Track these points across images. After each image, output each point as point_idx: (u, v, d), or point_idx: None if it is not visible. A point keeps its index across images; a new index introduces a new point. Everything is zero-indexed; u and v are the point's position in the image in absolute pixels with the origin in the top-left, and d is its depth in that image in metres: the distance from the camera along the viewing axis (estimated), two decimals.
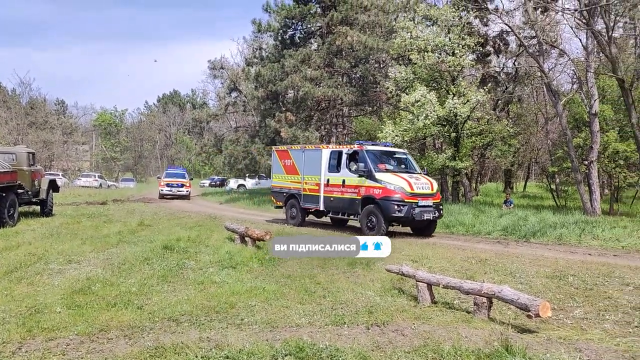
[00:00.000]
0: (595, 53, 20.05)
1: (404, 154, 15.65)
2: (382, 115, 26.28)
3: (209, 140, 39.25)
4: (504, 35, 25.03)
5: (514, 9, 22.90)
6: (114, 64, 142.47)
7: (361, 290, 7.31)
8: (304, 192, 16.07)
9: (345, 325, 5.67)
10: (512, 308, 5.99)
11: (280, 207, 17.56)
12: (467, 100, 19.20)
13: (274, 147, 18.50)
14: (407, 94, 19.52)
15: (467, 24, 20.72)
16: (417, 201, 13.18)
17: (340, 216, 14.99)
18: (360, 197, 13.89)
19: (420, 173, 14.78)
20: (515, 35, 20.74)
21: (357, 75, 28.26)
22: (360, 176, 13.88)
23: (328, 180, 15.18)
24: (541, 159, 30.18)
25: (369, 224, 13.51)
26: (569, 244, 12.43)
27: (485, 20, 24.10)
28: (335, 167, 15.02)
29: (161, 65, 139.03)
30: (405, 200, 13.03)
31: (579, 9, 16.95)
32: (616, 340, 5.27)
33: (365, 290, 7.28)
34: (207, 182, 55.02)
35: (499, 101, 26.44)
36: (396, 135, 19.15)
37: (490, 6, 23.03)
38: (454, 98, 19.10)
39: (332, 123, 30.00)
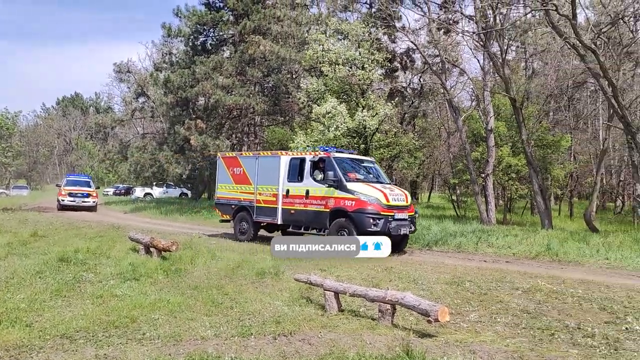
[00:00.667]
0: (491, 73, 21.54)
1: (372, 162, 14.75)
2: (294, 126, 26.50)
3: (114, 147, 37.44)
4: (411, 53, 26.30)
5: (420, 29, 24.18)
6: (1, 63, 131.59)
7: (269, 300, 7.28)
8: (258, 204, 14.42)
9: (252, 336, 5.62)
10: (414, 314, 6.23)
11: (227, 220, 15.79)
12: (376, 113, 19.88)
13: (219, 154, 16.74)
14: (318, 105, 19.85)
15: (376, 39, 21.50)
16: (393, 214, 12.14)
17: (302, 231, 13.39)
18: (328, 210, 12.51)
19: (390, 183, 14.02)
20: (421, 53, 21.81)
21: (270, 85, 28.34)
22: (329, 186, 12.57)
23: (288, 191, 13.67)
24: (444, 171, 31.84)
25: None
26: (467, 252, 13.20)
27: (393, 37, 25.19)
28: (296, 176, 13.57)
29: (61, 66, 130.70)
30: (381, 213, 11.90)
31: (476, 32, 18.18)
32: (506, 341, 5.64)
33: (274, 300, 7.26)
34: (111, 191, 52.33)
35: (406, 115, 27.64)
36: (307, 146, 19.37)
37: (398, 24, 24.10)
38: (364, 111, 19.69)
39: (243, 132, 29.78)
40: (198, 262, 9.87)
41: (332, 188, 12.54)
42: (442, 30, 22.37)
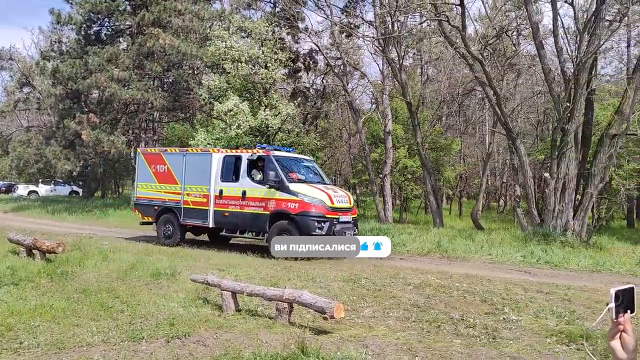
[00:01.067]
0: (390, 78, 22.45)
1: (311, 161, 14.26)
2: (194, 123, 25.83)
3: None
4: (314, 54, 26.62)
5: (322, 31, 24.56)
6: None
7: (164, 302, 7.03)
8: (186, 206, 13.33)
9: (144, 340, 5.40)
10: (312, 311, 6.32)
11: (149, 223, 14.50)
12: (279, 113, 19.90)
13: (140, 149, 15.28)
14: (220, 103, 19.50)
15: (279, 39, 21.51)
16: (337, 217, 11.69)
17: (238, 234, 12.78)
18: (268, 212, 11.84)
19: (331, 184, 13.53)
20: (323, 55, 22.18)
21: (170, 80, 27.40)
22: (270, 187, 11.82)
23: (221, 192, 12.74)
24: (344, 172, 32.64)
25: None
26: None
27: (296, 38, 25.37)
28: (230, 175, 12.72)
29: None
30: (326, 216, 11.45)
31: (376, 37, 18.84)
32: (397, 335, 5.90)
33: (169, 302, 7.02)
34: None
35: (308, 115, 27.94)
36: (208, 144, 18.98)
37: (301, 25, 24.33)
38: (266, 110, 19.65)
39: (141, 127, 28.51)
40: (87, 264, 9.32)
41: (272, 189, 11.80)
42: (344, 33, 22.92)
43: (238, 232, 12.70)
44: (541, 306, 7.12)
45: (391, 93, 22.65)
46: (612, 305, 1.41)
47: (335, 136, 31.73)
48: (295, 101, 21.29)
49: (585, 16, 15.23)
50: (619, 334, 1.41)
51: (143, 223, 14.77)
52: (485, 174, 24.94)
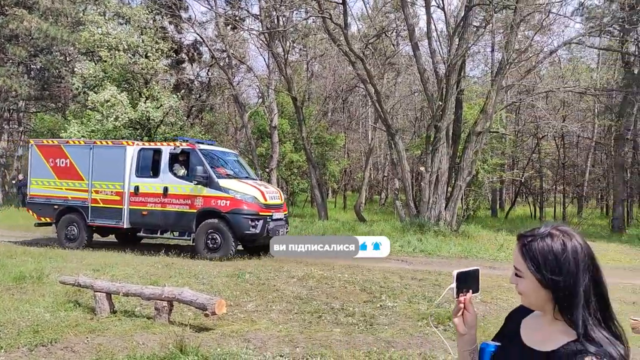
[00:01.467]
0: (276, 72, 22.51)
1: (236, 155, 13.41)
2: (67, 114, 23.99)
3: None
4: (198, 45, 25.89)
5: (207, 22, 23.99)
6: None
7: (28, 307, 6.45)
8: (94, 205, 11.90)
9: (3, 350, 4.91)
10: (193, 309, 6.17)
11: (47, 224, 12.87)
12: (161, 105, 19.12)
13: (33, 141, 13.44)
14: (96, 93, 18.30)
15: (161, 28, 20.68)
16: (271, 214, 11.13)
17: (159, 235, 11.74)
18: (195, 211, 10.95)
19: (257, 179, 12.81)
20: (207, 46, 21.68)
21: (38, 67, 25.16)
22: (197, 183, 10.90)
23: (137, 188, 11.52)
24: None
25: (210, 244, 10.75)
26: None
27: (179, 27, 24.49)
28: (148, 170, 11.60)
29: None
30: (260, 214, 10.82)
31: (261, 31, 18.79)
32: (279, 327, 5.96)
33: (34, 307, 6.45)
34: None
35: (193, 108, 27.17)
36: (82, 136, 17.73)
37: (184, 15, 23.54)
38: (147, 101, 18.78)
39: (3, 118, 25.88)
40: None
41: (200, 185, 10.92)
42: (230, 26, 22.56)
43: (159, 233, 11.69)
44: (415, 292, 7.59)
45: (277, 88, 22.74)
46: (454, 285, 1.53)
47: (222, 130, 31.23)
48: (178, 93, 20.58)
49: (455, 21, 16.42)
50: (461, 312, 1.53)
51: (39, 224, 12.99)
52: (367, 168, 26.00)
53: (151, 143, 13.10)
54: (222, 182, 10.97)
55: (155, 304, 6.08)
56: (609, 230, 20.32)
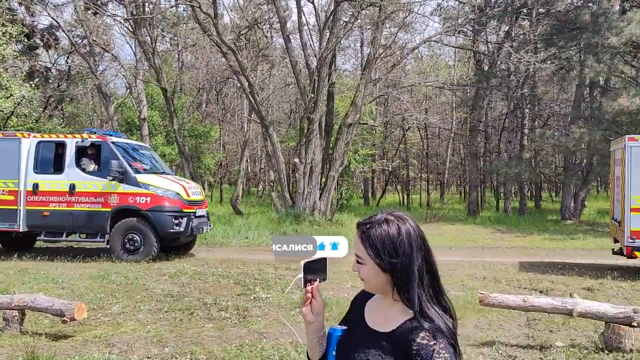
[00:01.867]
0: (143, 62, 21.41)
1: (149, 149, 12.33)
2: None
3: None
4: (54, 30, 23.77)
5: (64, 4, 22.10)
6: None
7: None
8: None
9: None
10: (50, 316, 5.69)
11: None
12: (10, 95, 17.30)
13: None
14: None
15: (8, 9, 18.66)
16: (194, 211, 10.41)
17: (64, 238, 10.48)
18: (109, 209, 9.94)
19: (172, 174, 11.77)
20: (64, 32, 20.03)
21: None
22: (113, 179, 9.88)
23: (36, 186, 10.22)
24: None
25: (129, 245, 9.81)
26: None
27: (31, 10, 22.29)
28: (50, 165, 10.37)
29: None
30: (184, 211, 10.09)
31: (126, 18, 17.74)
32: (147, 328, 5.70)
33: None
34: None
35: (51, 98, 24.95)
36: None
37: None
38: None
39: None
40: None
41: (115, 182, 9.94)
42: (91, 10, 20.97)
43: (64, 235, 10.46)
44: (288, 282, 7.70)
45: (146, 78, 21.65)
46: (301, 275, 1.55)
47: (85, 122, 29.05)
48: (32, 82, 18.76)
49: (325, 15, 16.82)
50: (309, 301, 1.56)
51: None
52: (243, 160, 25.80)
53: (52, 135, 11.71)
54: (140, 178, 10.10)
55: (4, 313, 5.52)
56: (466, 214, 22.26)
